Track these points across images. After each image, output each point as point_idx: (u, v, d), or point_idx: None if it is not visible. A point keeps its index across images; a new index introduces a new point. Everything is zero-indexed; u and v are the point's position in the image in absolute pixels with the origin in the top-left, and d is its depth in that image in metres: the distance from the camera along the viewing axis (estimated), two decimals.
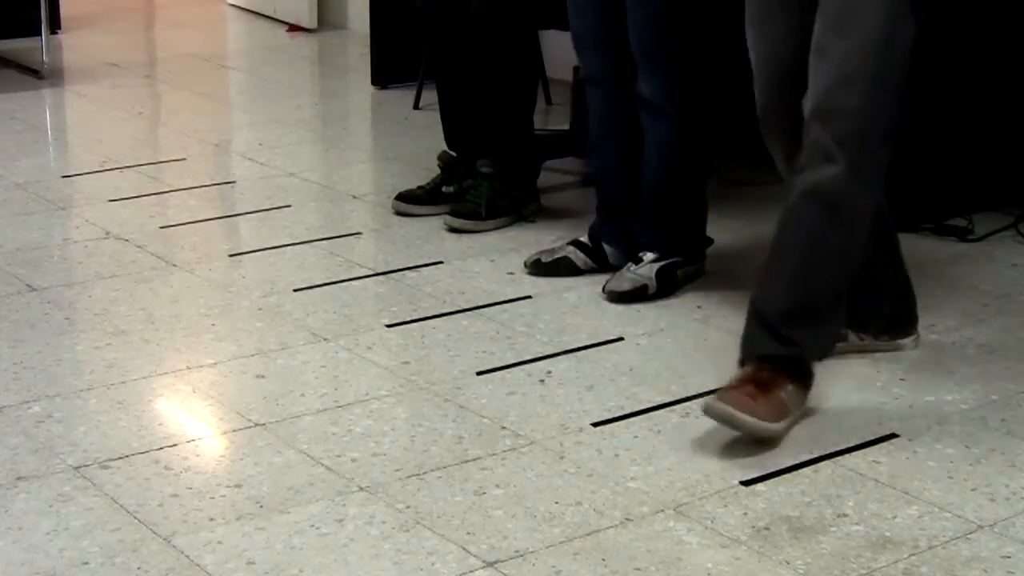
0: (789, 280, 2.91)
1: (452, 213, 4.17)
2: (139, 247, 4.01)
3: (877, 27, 2.82)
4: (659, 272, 3.66)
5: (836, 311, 2.97)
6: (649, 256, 3.68)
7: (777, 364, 2.91)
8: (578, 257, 3.81)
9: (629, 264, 3.70)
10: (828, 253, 2.90)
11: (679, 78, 3.61)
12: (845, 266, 2.94)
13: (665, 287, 3.66)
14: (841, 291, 2.95)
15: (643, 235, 3.73)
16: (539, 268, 3.81)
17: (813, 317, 2.92)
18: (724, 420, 2.84)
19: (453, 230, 4.14)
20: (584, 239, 3.84)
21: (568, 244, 3.85)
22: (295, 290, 3.71)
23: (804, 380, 2.96)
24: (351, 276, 3.81)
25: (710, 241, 3.82)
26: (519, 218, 4.21)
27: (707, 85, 3.69)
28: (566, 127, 4.90)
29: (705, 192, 3.78)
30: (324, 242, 4.07)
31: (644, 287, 3.64)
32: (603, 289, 3.66)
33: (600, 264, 3.79)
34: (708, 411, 2.86)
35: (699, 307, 3.61)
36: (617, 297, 3.63)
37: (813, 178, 2.86)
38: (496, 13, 4.09)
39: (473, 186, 4.21)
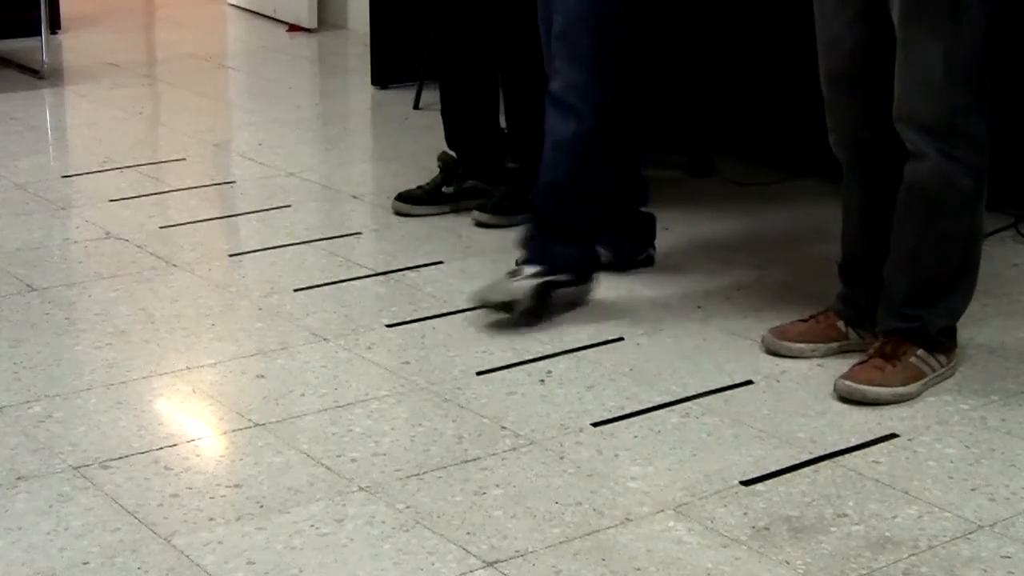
0: (906, 267, 3.12)
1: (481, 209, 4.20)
2: (139, 247, 4.01)
3: (943, 25, 2.93)
4: (536, 288, 3.41)
5: (961, 277, 3.15)
6: (529, 270, 3.43)
7: (901, 336, 3.12)
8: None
9: (511, 271, 3.47)
10: (936, 239, 3.08)
11: (599, 77, 3.37)
12: (960, 241, 3.10)
13: (537, 307, 3.41)
14: (964, 260, 3.13)
15: (530, 243, 3.49)
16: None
17: (934, 293, 3.13)
18: (853, 397, 3.05)
19: (481, 224, 4.18)
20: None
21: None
22: (295, 290, 3.71)
23: (935, 345, 3.13)
24: (351, 276, 3.81)
25: (598, 265, 3.56)
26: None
27: (630, 88, 3.45)
28: None
29: (605, 207, 3.54)
30: (324, 242, 4.07)
31: (514, 303, 3.39)
32: (473, 293, 3.46)
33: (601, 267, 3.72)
34: (837, 390, 3.07)
35: (699, 307, 3.61)
36: (482, 304, 3.42)
37: (910, 174, 3.05)
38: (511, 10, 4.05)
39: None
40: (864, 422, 2.99)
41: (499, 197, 4.22)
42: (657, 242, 3.88)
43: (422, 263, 3.91)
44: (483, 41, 4.18)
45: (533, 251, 3.48)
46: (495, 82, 4.28)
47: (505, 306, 3.42)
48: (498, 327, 3.43)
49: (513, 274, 3.46)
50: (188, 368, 3.25)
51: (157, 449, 2.86)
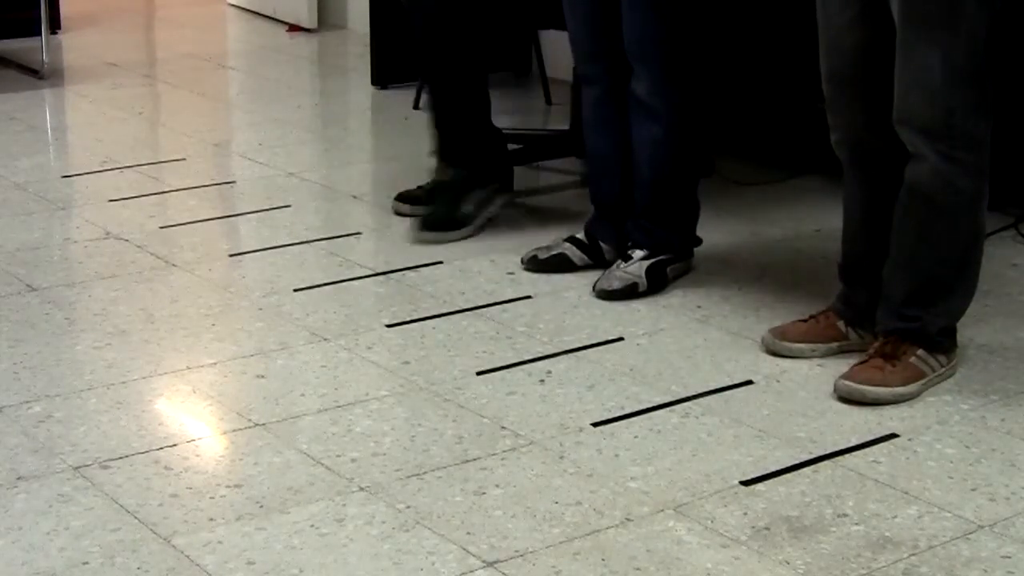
0: (906, 268, 3.14)
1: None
2: (139, 247, 4.01)
3: (942, 27, 2.92)
4: (649, 269, 3.69)
5: (960, 278, 3.15)
6: (639, 254, 3.71)
7: (901, 336, 3.11)
8: (574, 253, 3.83)
9: (619, 262, 3.72)
10: (936, 239, 3.09)
11: (672, 79, 3.64)
12: (960, 242, 3.10)
13: (655, 284, 3.68)
14: (963, 260, 3.13)
15: (635, 232, 3.76)
16: (536, 264, 3.83)
17: (934, 293, 3.13)
18: (853, 397, 3.05)
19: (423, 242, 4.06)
20: (580, 236, 3.86)
21: (565, 241, 3.87)
22: (295, 290, 3.71)
23: (935, 345, 3.13)
24: (351, 276, 3.81)
25: (699, 240, 3.84)
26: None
27: (699, 86, 3.72)
28: (566, 127, 4.89)
29: (697, 191, 3.80)
30: (324, 242, 4.07)
31: (634, 285, 3.66)
32: (593, 288, 3.68)
33: (596, 260, 3.81)
34: (837, 390, 3.07)
35: (699, 307, 3.61)
36: (607, 295, 3.65)
37: (910, 175, 3.07)
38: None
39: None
40: (864, 422, 2.99)
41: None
42: None
43: (422, 263, 3.91)
44: (468, 42, 4.13)
45: (640, 236, 3.75)
46: (484, 82, 4.27)
47: (627, 290, 3.66)
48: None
49: (626, 259, 3.71)
50: (188, 368, 3.25)
51: (157, 449, 2.86)
